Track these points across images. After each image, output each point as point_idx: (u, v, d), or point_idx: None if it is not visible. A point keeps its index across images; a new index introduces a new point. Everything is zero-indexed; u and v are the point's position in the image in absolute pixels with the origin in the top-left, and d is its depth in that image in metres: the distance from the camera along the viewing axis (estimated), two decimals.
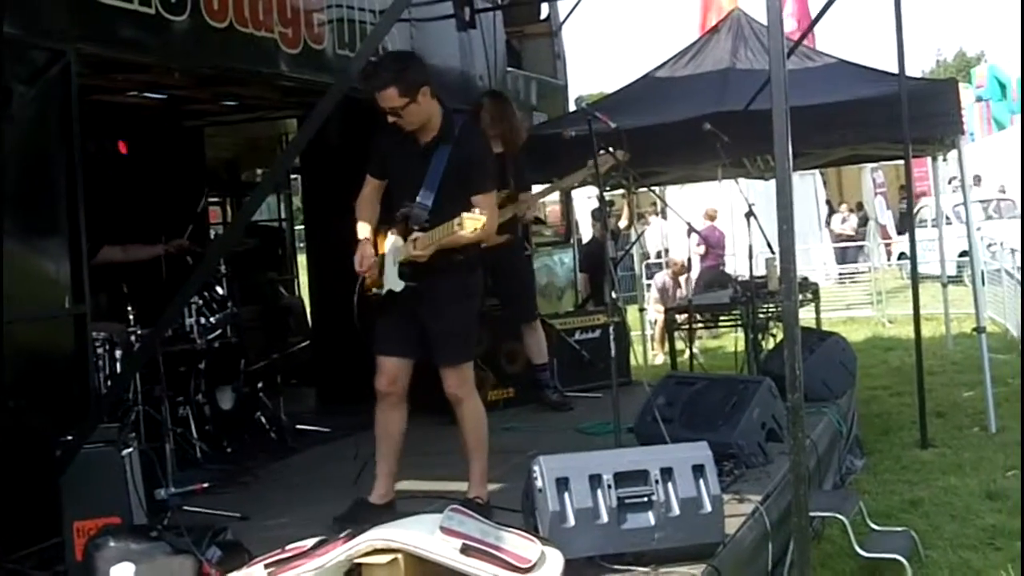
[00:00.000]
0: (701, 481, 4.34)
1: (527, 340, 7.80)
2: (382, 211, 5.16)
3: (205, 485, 5.29)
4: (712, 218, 14.92)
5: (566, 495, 4.21)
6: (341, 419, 7.28)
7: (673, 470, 4.33)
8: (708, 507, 4.31)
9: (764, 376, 6.40)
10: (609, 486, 4.24)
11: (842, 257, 20.31)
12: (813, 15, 14.72)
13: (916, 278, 8.45)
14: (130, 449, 4.69)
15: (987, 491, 6.66)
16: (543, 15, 11.16)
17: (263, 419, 7.19)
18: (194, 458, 6.43)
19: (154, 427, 5.99)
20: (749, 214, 7.81)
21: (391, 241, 5.01)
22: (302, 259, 12.07)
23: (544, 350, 7.84)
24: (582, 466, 4.31)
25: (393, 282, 4.97)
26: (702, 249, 14.12)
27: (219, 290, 6.91)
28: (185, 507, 5.05)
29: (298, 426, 7.35)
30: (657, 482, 4.29)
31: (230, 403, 6.98)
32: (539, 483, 4.26)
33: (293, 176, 10.99)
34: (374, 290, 5.06)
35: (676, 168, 10.33)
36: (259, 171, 10.91)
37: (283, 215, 12.22)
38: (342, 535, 4.01)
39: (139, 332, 6.19)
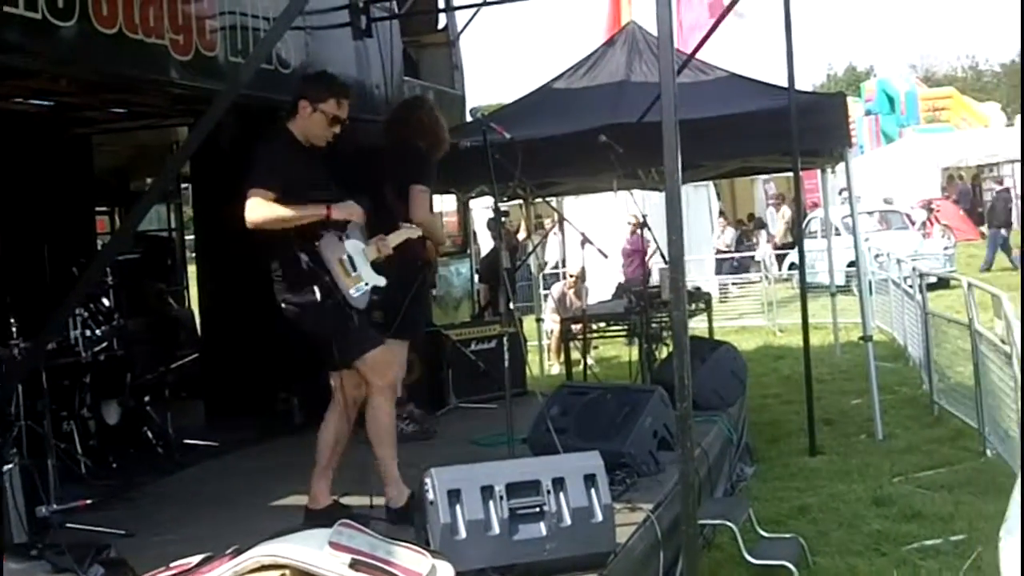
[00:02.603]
0: (592, 491, 4.36)
1: None
2: None
3: (89, 501, 5.18)
4: (639, 225, 14.98)
5: (457, 507, 4.20)
6: (230, 433, 7.18)
7: (565, 480, 4.35)
8: (599, 516, 4.33)
9: (656, 385, 6.46)
10: (501, 497, 4.24)
11: (719, 269, 20.50)
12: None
13: (805, 288, 8.65)
14: (11, 465, 4.57)
15: (874, 497, 6.81)
16: (441, 25, 11.14)
17: (150, 433, 7.03)
18: (78, 474, 6.26)
19: (37, 442, 5.80)
20: (642, 224, 7.89)
21: (354, 244, 5.05)
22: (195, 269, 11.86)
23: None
24: (474, 478, 4.30)
25: (375, 278, 5.07)
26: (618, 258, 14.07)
27: (105, 301, 6.75)
28: (68, 524, 4.92)
29: (186, 440, 7.21)
30: (549, 492, 4.31)
31: (116, 417, 6.83)
32: (430, 495, 4.24)
33: (184, 185, 10.79)
34: (355, 288, 5.01)
35: (573, 179, 10.41)
36: (149, 180, 10.69)
37: (173, 224, 11.99)
38: (228, 551, 3.93)
39: (22, 344, 6.01)
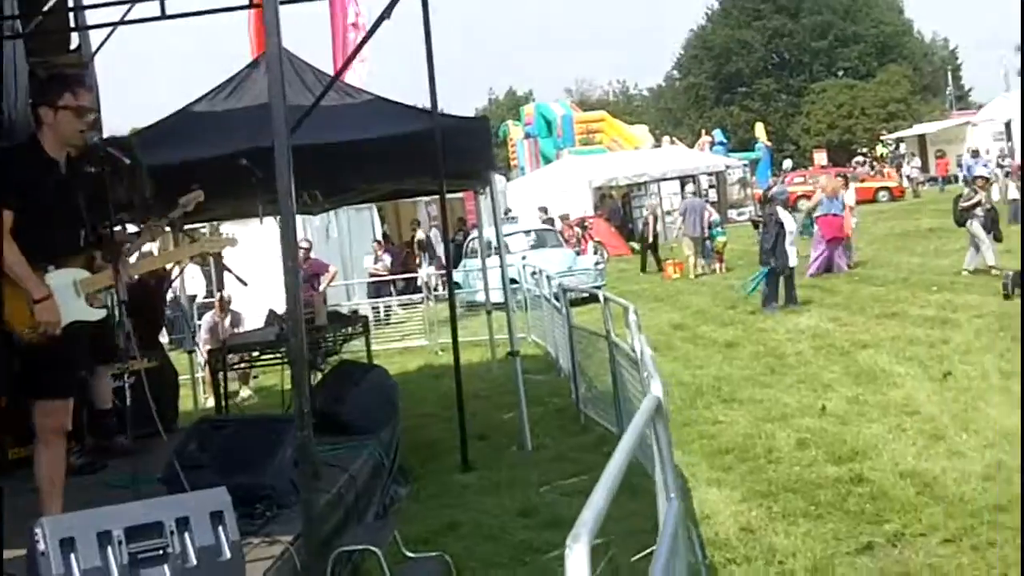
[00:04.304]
0: (220, 528, 4.24)
1: (97, 383, 7.45)
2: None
3: None
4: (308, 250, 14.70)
5: (72, 556, 3.97)
6: None
7: (190, 519, 4.20)
8: (227, 554, 4.21)
9: None
10: (120, 542, 4.05)
11: (381, 291, 20.54)
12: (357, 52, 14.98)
13: (454, 305, 8.87)
14: None
15: (521, 509, 7.01)
16: (74, 45, 10.53)
17: None
18: None
19: None
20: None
21: (69, 274, 4.85)
22: None
23: (109, 394, 7.49)
24: (90, 524, 4.08)
25: (83, 312, 4.89)
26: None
27: None
28: None
29: None
30: (172, 533, 4.15)
31: None
32: (41, 546, 3.98)
33: None
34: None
35: (218, 205, 10.10)
36: None
37: None
38: None
39: None
